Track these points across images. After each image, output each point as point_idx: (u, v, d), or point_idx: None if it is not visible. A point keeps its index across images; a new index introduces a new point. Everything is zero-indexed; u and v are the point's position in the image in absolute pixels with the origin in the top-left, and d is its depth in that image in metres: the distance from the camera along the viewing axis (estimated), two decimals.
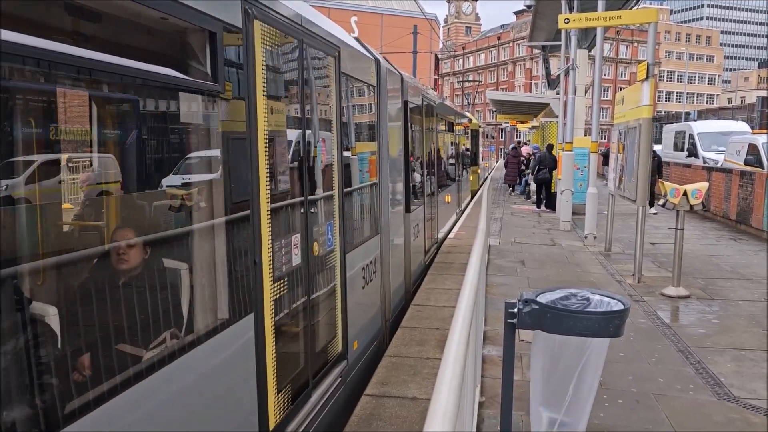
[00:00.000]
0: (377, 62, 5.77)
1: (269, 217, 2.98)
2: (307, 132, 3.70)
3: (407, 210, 7.09)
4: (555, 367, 2.91)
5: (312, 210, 3.75)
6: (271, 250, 3.01)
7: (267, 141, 2.95)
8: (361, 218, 5.29)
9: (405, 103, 6.97)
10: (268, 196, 2.97)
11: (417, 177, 8.06)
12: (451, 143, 13.37)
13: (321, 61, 4.04)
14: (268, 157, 2.95)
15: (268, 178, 2.97)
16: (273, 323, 3.04)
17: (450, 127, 12.95)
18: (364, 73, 5.27)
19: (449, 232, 11.89)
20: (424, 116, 8.59)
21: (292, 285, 3.39)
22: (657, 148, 16.44)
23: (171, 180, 2.68)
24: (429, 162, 9.18)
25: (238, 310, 2.73)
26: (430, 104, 9.16)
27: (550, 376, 2.93)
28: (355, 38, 5.48)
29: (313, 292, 3.75)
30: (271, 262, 3.01)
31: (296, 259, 3.43)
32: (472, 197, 18.42)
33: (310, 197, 3.68)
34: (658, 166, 13.86)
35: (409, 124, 7.22)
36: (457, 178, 13.88)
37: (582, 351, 2.81)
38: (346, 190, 4.48)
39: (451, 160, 13.24)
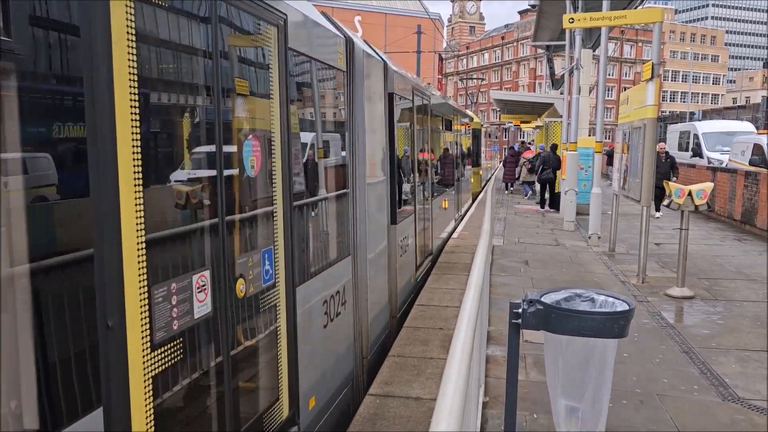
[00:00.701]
0: (349, 42, 4.74)
1: (141, 252, 2.01)
2: (225, 128, 2.68)
3: (393, 221, 6.08)
4: (567, 365, 2.91)
5: (234, 234, 2.78)
6: (145, 302, 2.04)
7: (135, 140, 1.99)
8: (323, 238, 4.26)
9: (390, 96, 5.97)
10: (138, 221, 2.01)
11: (407, 182, 7.11)
12: (450, 143, 12.56)
13: (251, 29, 2.98)
14: (137, 165, 2.00)
15: (138, 197, 2.00)
16: (149, 413, 2.07)
17: (448, 126, 12.09)
18: (327, 53, 4.20)
19: (446, 240, 11.04)
20: (415, 112, 7.59)
21: (193, 347, 2.41)
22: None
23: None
24: (423, 164, 8.31)
25: (70, 409, 1.77)
26: (423, 99, 8.19)
27: (564, 374, 2.94)
28: (322, 13, 4.47)
29: (236, 347, 2.77)
30: (146, 320, 2.05)
31: (203, 308, 2.45)
32: (474, 200, 18.16)
33: (230, 217, 2.71)
34: (671, 167, 13.66)
35: (396, 121, 6.21)
36: (455, 181, 12.91)
37: (591, 349, 2.82)
38: (297, 203, 3.48)
39: (449, 162, 12.32)
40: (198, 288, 2.42)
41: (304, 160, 3.84)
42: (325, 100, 4.38)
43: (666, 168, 13.28)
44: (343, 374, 4.50)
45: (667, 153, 14.05)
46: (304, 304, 3.58)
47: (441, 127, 10.91)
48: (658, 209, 13.66)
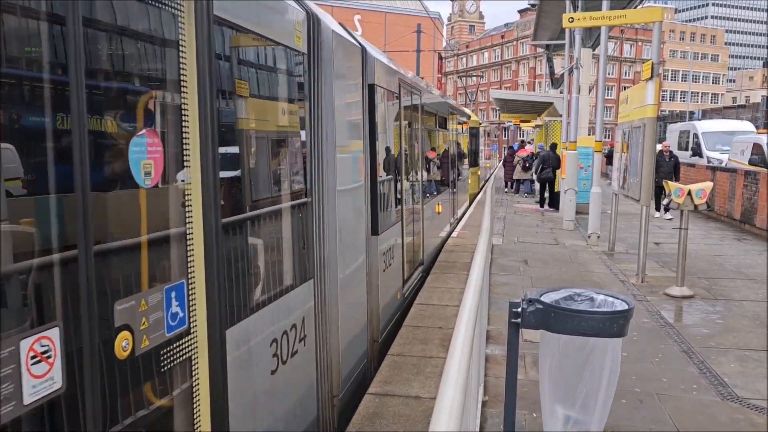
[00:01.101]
0: (313, 19, 3.84)
1: None
2: (98, 121, 2.02)
3: (374, 232, 5.34)
4: (565, 365, 2.91)
5: (110, 269, 2.03)
6: None
7: None
8: (271, 261, 3.36)
9: (371, 88, 5.23)
10: None
11: (393, 186, 6.38)
12: (445, 142, 11.95)
13: None
14: None
15: None
16: None
17: (443, 124, 11.38)
18: (277, 29, 3.38)
19: (440, 248, 10.26)
20: (403, 108, 6.78)
21: None
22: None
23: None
24: (412, 166, 7.63)
25: None
26: (412, 93, 7.39)
27: (560, 374, 2.94)
28: None
29: (115, 427, 2.02)
30: None
31: (44, 386, 1.69)
32: (471, 202, 17.91)
33: (103, 246, 1.97)
34: (674, 168, 13.58)
35: (378, 117, 5.45)
36: (450, 182, 12.10)
37: (590, 351, 2.82)
38: (225, 220, 2.69)
39: (444, 162, 11.44)
40: (33, 357, 1.66)
41: (245, 164, 3.08)
42: (271, 88, 3.53)
43: (669, 168, 13.28)
44: (301, 425, 3.67)
45: (671, 152, 14.00)
46: (239, 350, 2.78)
47: (435, 125, 10.27)
48: (658, 209, 13.66)
